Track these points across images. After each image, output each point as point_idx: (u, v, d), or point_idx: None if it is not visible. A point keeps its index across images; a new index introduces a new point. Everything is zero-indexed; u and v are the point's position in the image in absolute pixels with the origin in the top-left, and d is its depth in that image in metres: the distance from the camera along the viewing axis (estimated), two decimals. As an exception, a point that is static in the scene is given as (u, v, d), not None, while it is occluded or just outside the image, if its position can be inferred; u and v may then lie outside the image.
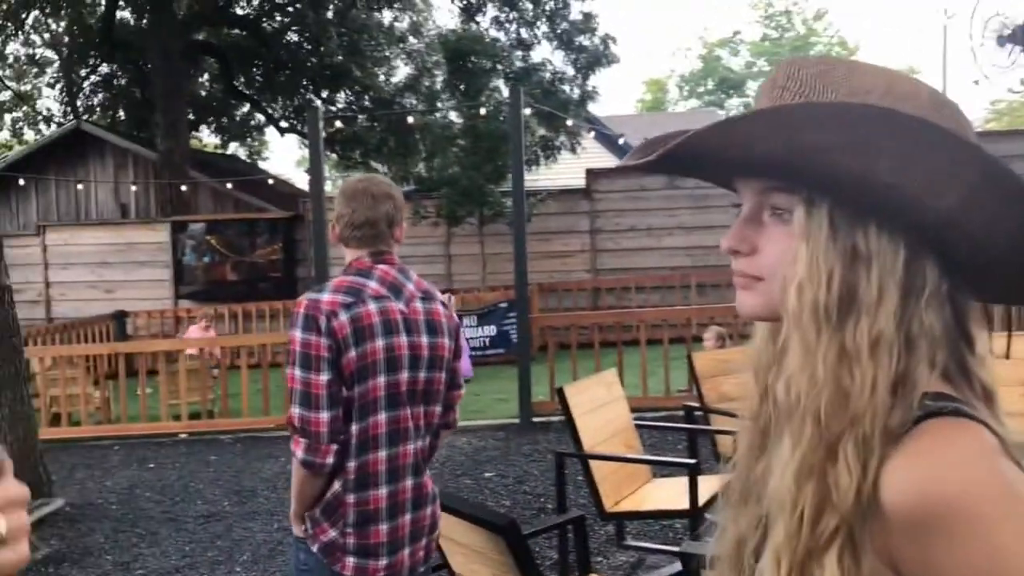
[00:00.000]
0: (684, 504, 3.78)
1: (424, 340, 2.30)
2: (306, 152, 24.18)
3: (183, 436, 8.49)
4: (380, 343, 2.20)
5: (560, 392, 4.19)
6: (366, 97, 17.84)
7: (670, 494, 4.12)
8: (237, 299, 13.82)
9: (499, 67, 13.92)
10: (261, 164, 23.91)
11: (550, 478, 5.72)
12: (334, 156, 18.86)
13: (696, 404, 5.01)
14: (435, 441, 2.42)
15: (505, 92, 13.46)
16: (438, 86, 15.06)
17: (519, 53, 14.77)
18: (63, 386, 8.87)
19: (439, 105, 14.13)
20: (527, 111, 10.39)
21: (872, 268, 0.74)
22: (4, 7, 17.99)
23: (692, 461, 3.96)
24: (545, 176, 13.96)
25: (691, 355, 5.44)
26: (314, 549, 2.25)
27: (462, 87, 13.50)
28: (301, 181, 23.95)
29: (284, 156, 56.98)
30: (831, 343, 0.74)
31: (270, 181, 17.60)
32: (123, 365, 9.15)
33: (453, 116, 13.98)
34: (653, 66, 71.04)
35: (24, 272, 13.55)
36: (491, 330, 11.64)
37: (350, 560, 2.22)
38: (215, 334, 11.10)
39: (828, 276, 0.74)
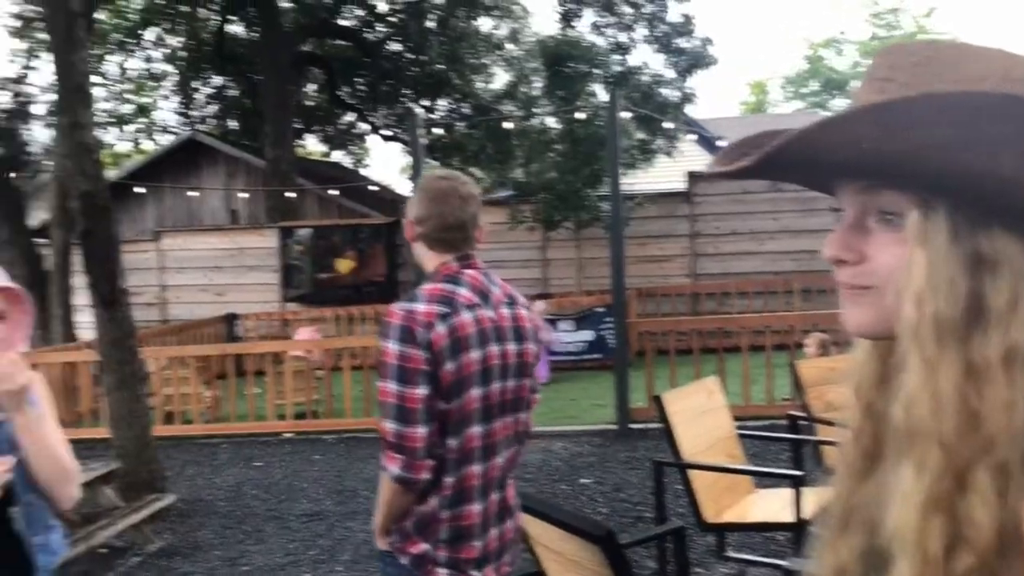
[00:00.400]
0: (788, 517, 3.66)
1: (512, 347, 2.24)
2: (408, 159, 24.66)
3: (288, 435, 8.73)
4: (475, 354, 2.13)
5: (658, 400, 4.12)
6: (465, 104, 18.04)
7: (774, 506, 4.00)
8: (341, 302, 14.16)
9: (597, 71, 13.86)
10: (363, 171, 24.44)
11: (648, 486, 5.64)
12: (434, 163, 19.14)
13: (801, 413, 4.86)
14: (521, 448, 2.37)
15: (603, 96, 13.40)
16: (536, 92, 15.09)
17: (617, 57, 14.67)
18: (176, 385, 9.25)
19: (537, 110, 14.15)
20: (625, 115, 10.30)
21: (1000, 274, 0.66)
22: (126, 25, 18.93)
23: (797, 473, 3.84)
24: (643, 180, 13.82)
25: (795, 363, 5.28)
26: (403, 561, 2.19)
27: (560, 92, 13.49)
28: (403, 187, 24.42)
29: (387, 163, 58.41)
30: (956, 359, 0.66)
31: (373, 188, 17.96)
32: (232, 366, 9.47)
33: (550, 121, 13.99)
34: (756, 68, 69.59)
35: (142, 276, 14.19)
36: (588, 335, 11.57)
37: (442, 572, 2.18)
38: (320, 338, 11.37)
39: (950, 285, 0.67)
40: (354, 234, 14.82)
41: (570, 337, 11.43)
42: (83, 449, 7.53)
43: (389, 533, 2.22)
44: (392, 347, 2.07)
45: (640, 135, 13.48)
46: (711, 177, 0.84)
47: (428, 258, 2.28)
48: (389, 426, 2.08)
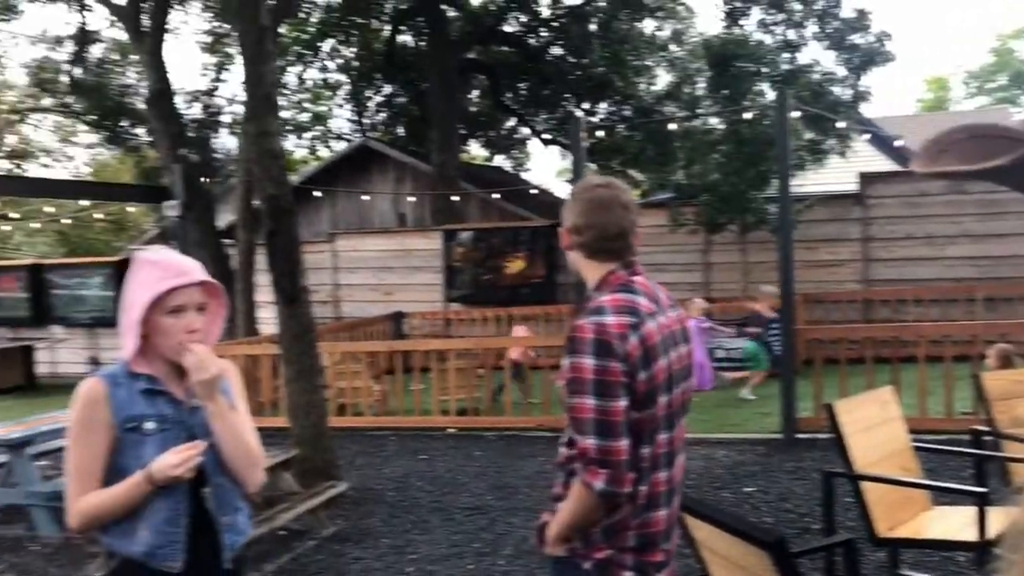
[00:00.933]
0: (970, 535, 3.48)
1: (683, 350, 2.27)
2: (566, 162, 24.84)
3: (451, 431, 9.00)
4: (663, 362, 2.14)
5: (829, 408, 3.99)
6: (626, 106, 17.99)
7: (954, 524, 3.80)
8: (500, 303, 14.43)
9: (764, 70, 13.49)
10: (523, 175, 24.81)
11: (815, 497, 5.47)
12: (593, 165, 19.19)
13: (985, 428, 4.58)
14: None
15: (770, 96, 13.04)
16: (699, 92, 14.85)
17: (786, 55, 14.21)
18: (349, 379, 9.71)
19: (700, 111, 13.93)
20: (794, 114, 10.00)
21: None
22: (304, 38, 20.05)
23: (982, 489, 3.63)
24: (812, 181, 13.34)
25: (978, 375, 4.98)
26: (586, 566, 2.19)
27: (724, 92, 13.23)
28: (561, 190, 24.63)
29: (545, 166, 58.95)
30: None
31: (533, 191, 18.21)
32: (400, 362, 9.85)
33: (714, 122, 13.73)
34: (936, 63, 65.53)
35: (317, 275, 14.97)
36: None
37: (628, 575, 2.19)
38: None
39: None
40: (515, 236, 15.08)
41: (732, 343, 11.17)
42: (263, 437, 8.03)
43: (568, 541, 2.21)
44: (588, 362, 2.06)
45: (810, 135, 13.03)
46: (942, 177, 0.82)
47: (589, 268, 2.27)
48: (590, 442, 2.06)
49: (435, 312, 14.92)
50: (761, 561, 2.38)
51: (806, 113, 11.99)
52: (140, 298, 2.19)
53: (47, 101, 21.07)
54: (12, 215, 22.74)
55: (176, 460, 2.12)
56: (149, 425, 2.18)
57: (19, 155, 25.63)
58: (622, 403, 2.05)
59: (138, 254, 2.33)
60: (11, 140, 25.22)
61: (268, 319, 13.29)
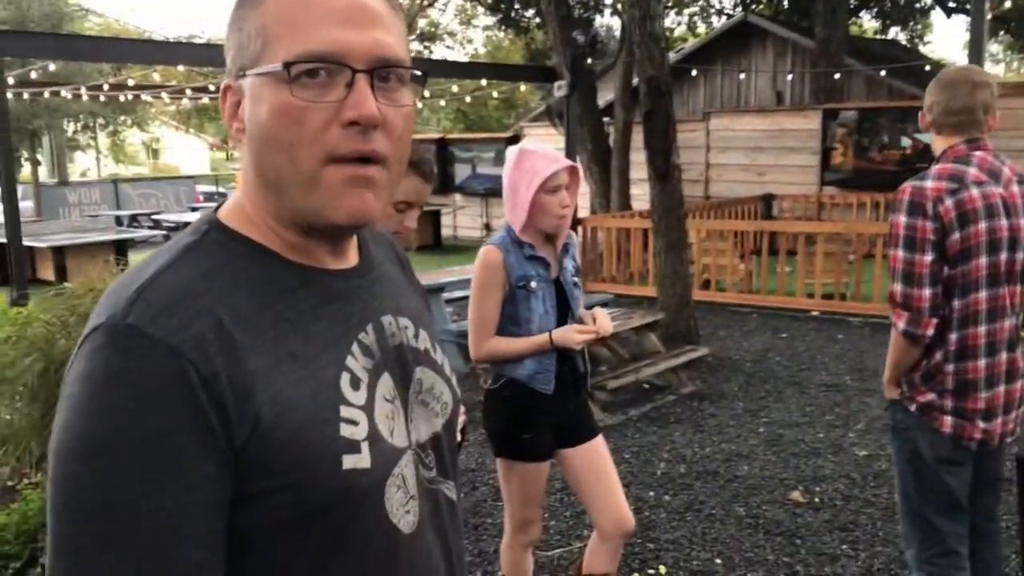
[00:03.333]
0: None
1: (1022, 222, 2.41)
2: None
3: (814, 313, 9.05)
4: (983, 226, 2.35)
5: None
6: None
7: None
8: (881, 188, 13.69)
9: None
10: (922, 49, 22.60)
11: None
12: (1008, 37, 17.01)
13: None
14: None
15: None
16: None
17: None
18: (714, 256, 10.07)
19: None
20: None
21: None
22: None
23: None
24: None
25: None
26: (911, 408, 2.53)
27: None
28: (965, 65, 22.04)
29: (948, 39, 52.53)
30: None
31: (927, 68, 16.65)
32: (767, 243, 9.96)
33: None
34: None
35: (689, 154, 15.23)
36: None
37: (948, 419, 2.47)
38: None
39: None
40: (903, 117, 14.05)
41: None
42: (632, 304, 8.76)
43: (898, 384, 2.57)
44: (901, 219, 2.39)
45: None
46: None
47: (937, 142, 2.52)
48: (896, 288, 2.42)
49: (808, 195, 14.56)
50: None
51: None
52: (531, 180, 2.72)
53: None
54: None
55: (578, 338, 2.71)
56: (533, 284, 2.77)
57: (428, 37, 28.50)
58: (928, 257, 2.34)
59: (520, 146, 2.86)
60: (421, 23, 28.02)
61: (639, 195, 13.95)
